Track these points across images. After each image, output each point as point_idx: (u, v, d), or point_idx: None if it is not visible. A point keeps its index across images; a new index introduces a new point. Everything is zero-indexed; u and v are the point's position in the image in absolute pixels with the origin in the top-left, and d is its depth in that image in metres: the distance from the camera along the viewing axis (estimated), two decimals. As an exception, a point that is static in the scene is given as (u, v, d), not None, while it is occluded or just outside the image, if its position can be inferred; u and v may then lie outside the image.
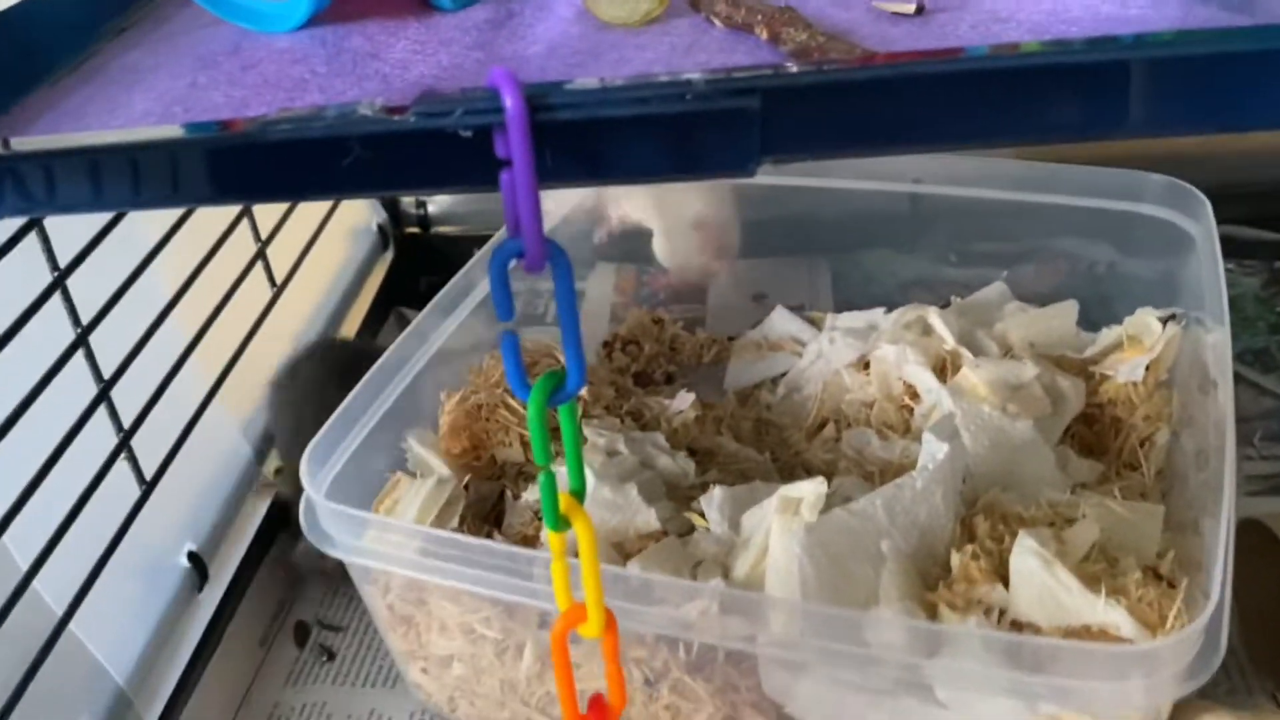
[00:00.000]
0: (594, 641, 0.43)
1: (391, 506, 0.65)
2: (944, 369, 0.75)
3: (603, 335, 0.91)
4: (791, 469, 0.74)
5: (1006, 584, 0.55)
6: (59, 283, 0.60)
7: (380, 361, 0.69)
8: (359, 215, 1.07)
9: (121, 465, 0.66)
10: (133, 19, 0.55)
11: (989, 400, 0.69)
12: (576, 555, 0.41)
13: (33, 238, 0.59)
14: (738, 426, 0.78)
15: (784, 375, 0.84)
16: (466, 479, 0.68)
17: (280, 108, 0.43)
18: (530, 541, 0.66)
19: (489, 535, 0.66)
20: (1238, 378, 0.87)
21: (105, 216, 0.65)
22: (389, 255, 1.10)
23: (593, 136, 0.36)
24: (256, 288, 0.83)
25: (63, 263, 0.62)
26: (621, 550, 0.62)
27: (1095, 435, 0.73)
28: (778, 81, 0.34)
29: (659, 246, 0.91)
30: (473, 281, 0.77)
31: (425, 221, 1.12)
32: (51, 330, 0.61)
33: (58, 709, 0.62)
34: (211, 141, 0.38)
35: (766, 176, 0.88)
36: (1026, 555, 0.54)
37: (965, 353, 0.74)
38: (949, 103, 0.34)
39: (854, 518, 0.57)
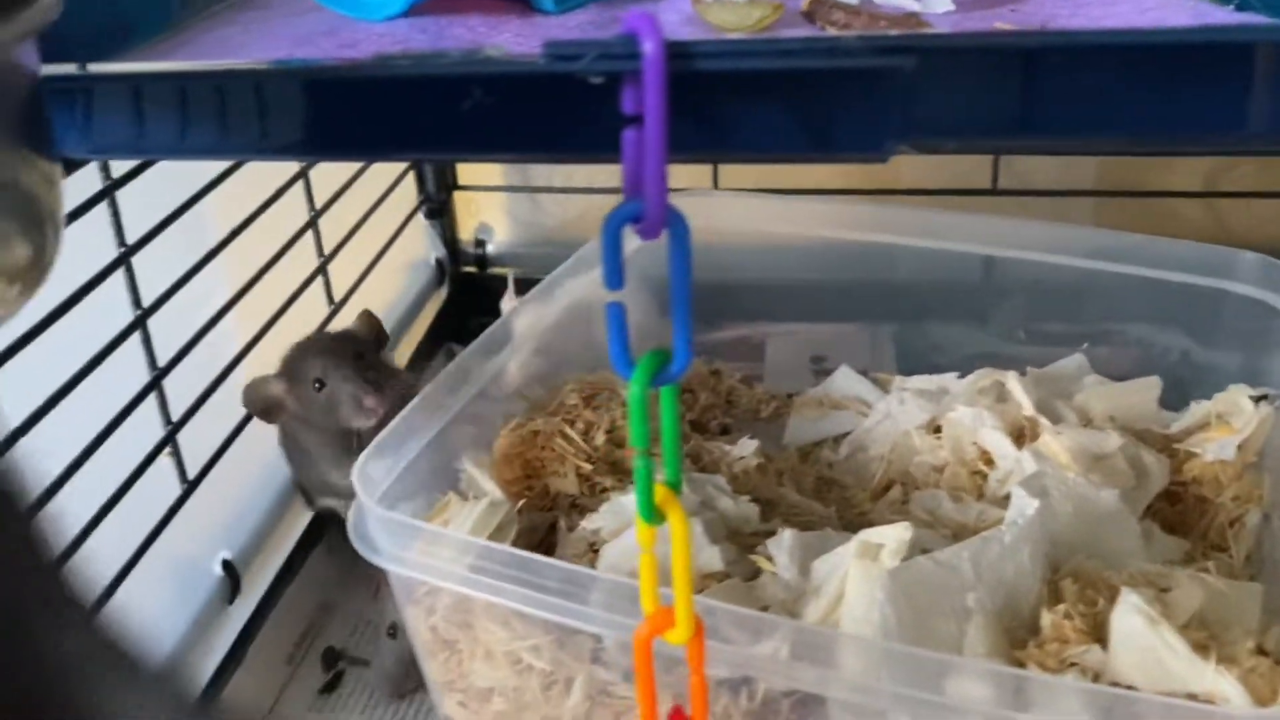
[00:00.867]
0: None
1: (442, 526, 0.62)
2: (1021, 436, 0.71)
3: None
4: (857, 528, 0.69)
5: (1102, 646, 0.51)
6: (124, 259, 0.58)
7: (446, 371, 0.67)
8: (418, 248, 1.06)
9: (163, 461, 0.63)
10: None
11: (1070, 469, 0.65)
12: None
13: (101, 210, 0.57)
14: (800, 481, 0.75)
15: (847, 435, 0.81)
16: (519, 505, 0.65)
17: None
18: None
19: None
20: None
21: (173, 200, 0.63)
22: (444, 291, 1.08)
23: (725, 95, 0.34)
24: (315, 299, 0.81)
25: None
26: (682, 589, 0.58)
27: (1178, 514, 0.69)
28: (940, 42, 0.32)
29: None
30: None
31: (483, 261, 1.10)
32: (103, 310, 0.59)
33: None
34: (319, 73, 0.36)
35: (829, 230, 0.86)
36: (1131, 613, 0.50)
37: (1044, 420, 0.71)
38: (1131, 82, 0.32)
39: (939, 568, 0.54)
